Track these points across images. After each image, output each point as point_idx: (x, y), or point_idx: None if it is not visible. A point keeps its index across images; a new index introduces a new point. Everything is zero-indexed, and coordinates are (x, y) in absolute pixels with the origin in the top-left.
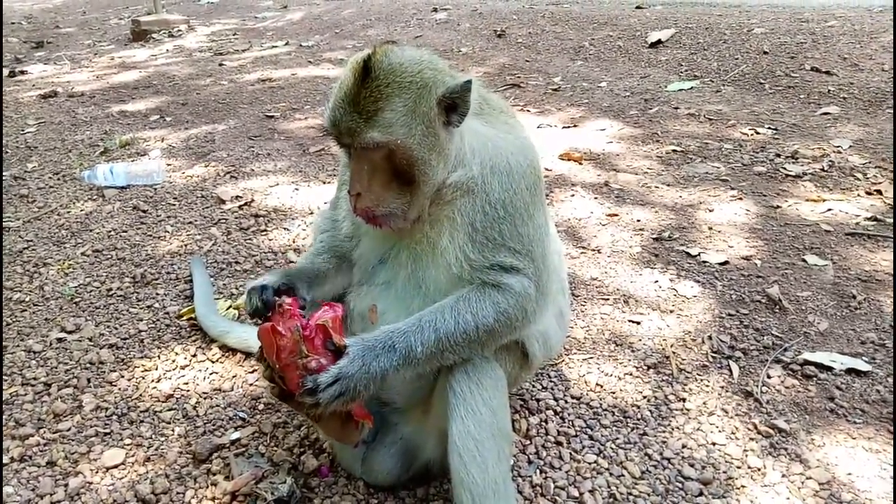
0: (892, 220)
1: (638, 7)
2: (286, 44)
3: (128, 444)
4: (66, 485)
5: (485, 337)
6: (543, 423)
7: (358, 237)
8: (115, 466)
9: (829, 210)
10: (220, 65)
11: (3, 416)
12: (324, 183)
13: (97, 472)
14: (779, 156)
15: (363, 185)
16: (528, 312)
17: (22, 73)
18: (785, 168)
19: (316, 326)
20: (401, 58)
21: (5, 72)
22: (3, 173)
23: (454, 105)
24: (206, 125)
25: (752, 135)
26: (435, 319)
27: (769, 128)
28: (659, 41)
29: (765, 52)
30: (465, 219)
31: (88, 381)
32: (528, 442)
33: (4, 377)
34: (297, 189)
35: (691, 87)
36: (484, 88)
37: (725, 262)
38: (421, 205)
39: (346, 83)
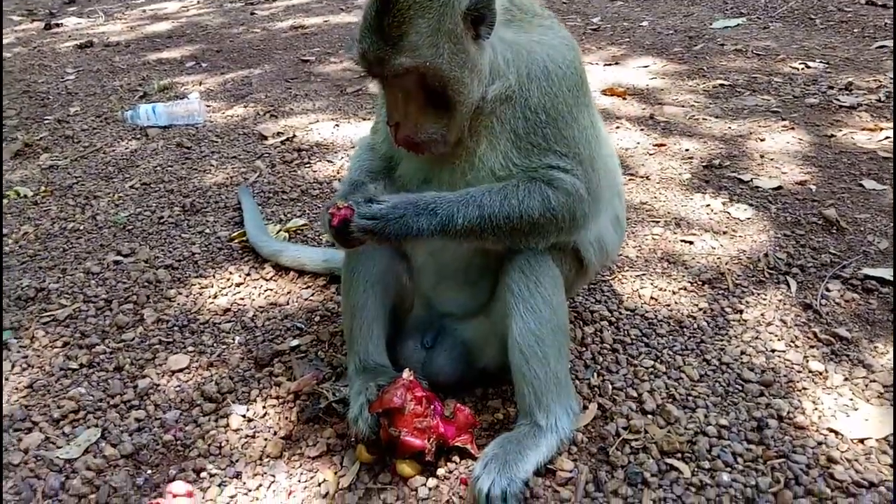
0: None
1: None
2: None
3: (191, 351)
4: (135, 386)
5: (528, 228)
6: (599, 332)
7: (399, 158)
8: (181, 370)
9: (888, 138)
10: (252, 14)
11: (69, 329)
12: (363, 120)
13: (163, 376)
14: (832, 88)
15: (400, 114)
16: (578, 216)
17: (57, 25)
18: (838, 99)
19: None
20: None
21: (41, 25)
22: (47, 117)
23: (481, 16)
24: (242, 70)
25: (802, 69)
26: (482, 197)
27: (821, 62)
28: None
29: None
30: (507, 126)
31: (147, 297)
32: (584, 349)
33: (66, 294)
34: (337, 126)
35: (737, 25)
36: None
37: (779, 188)
38: (460, 125)
39: (369, 12)
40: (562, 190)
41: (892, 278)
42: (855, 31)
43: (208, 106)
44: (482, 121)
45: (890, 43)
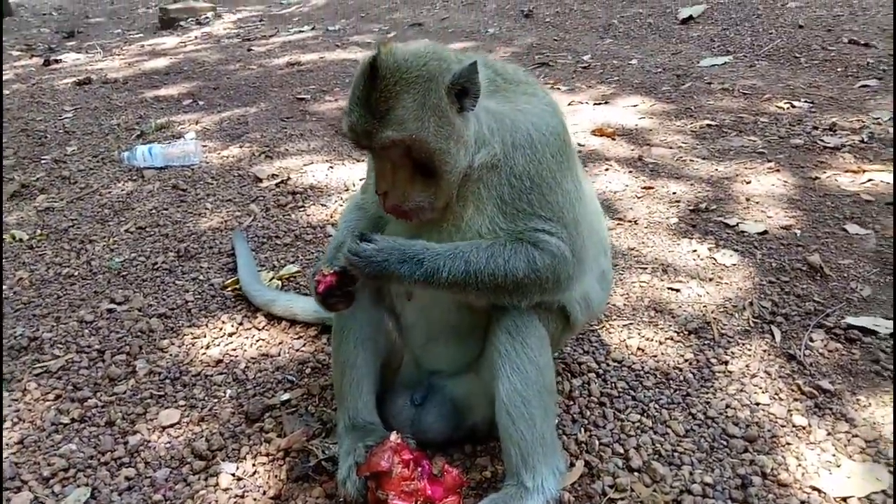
0: None
1: None
2: (312, 28)
3: (182, 406)
4: (125, 442)
5: (511, 286)
6: (586, 385)
7: (388, 219)
8: (172, 425)
9: (870, 181)
10: (249, 50)
11: (61, 382)
12: (357, 161)
13: (154, 431)
14: (816, 128)
15: (388, 183)
16: (562, 277)
17: (56, 61)
18: (823, 140)
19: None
20: (405, 54)
21: (39, 61)
22: (44, 157)
23: (464, 90)
24: (239, 108)
25: (787, 108)
26: (469, 253)
27: (806, 101)
28: (690, 17)
29: (800, 26)
30: (493, 192)
31: (140, 348)
32: (572, 402)
33: (59, 344)
34: (331, 167)
35: (724, 63)
36: (501, 63)
37: (764, 232)
38: (448, 193)
39: (357, 87)
40: (547, 252)
41: (873, 328)
42: (838, 69)
43: (204, 146)
44: (469, 187)
45: (873, 82)
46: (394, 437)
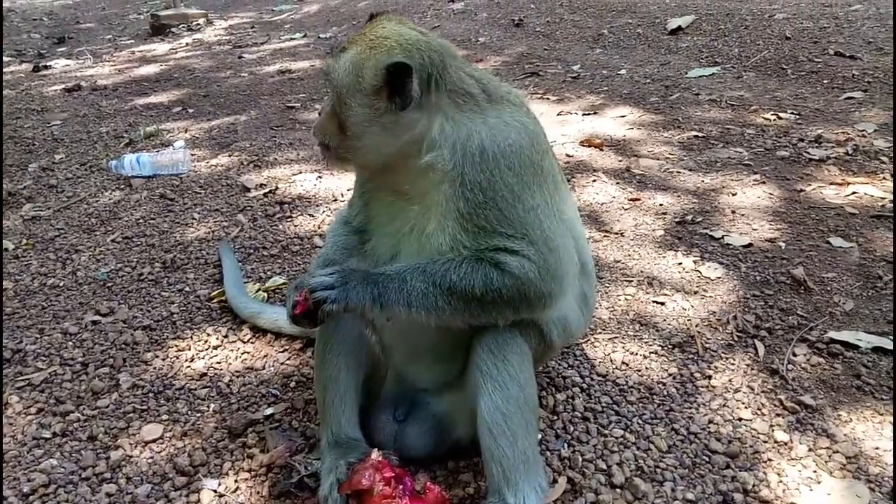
0: None
1: None
2: (304, 36)
3: (165, 420)
4: (107, 458)
5: (475, 305)
6: (570, 400)
7: (371, 233)
8: (154, 441)
9: (854, 193)
10: (240, 57)
11: (44, 395)
12: (345, 171)
13: (136, 446)
14: (802, 140)
15: (322, 110)
16: (532, 296)
17: (45, 67)
18: (808, 152)
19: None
20: (393, 25)
21: (29, 67)
22: (31, 164)
23: (396, 91)
24: (228, 116)
25: (774, 120)
26: (426, 272)
27: (792, 113)
28: (679, 28)
29: (787, 38)
30: (451, 204)
31: (124, 360)
32: (556, 417)
33: (42, 357)
34: (320, 178)
35: (712, 74)
36: (496, 80)
37: (749, 245)
38: (358, 158)
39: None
40: (507, 272)
41: (855, 342)
42: (824, 81)
43: (193, 154)
44: (431, 195)
45: (858, 94)
46: (375, 454)
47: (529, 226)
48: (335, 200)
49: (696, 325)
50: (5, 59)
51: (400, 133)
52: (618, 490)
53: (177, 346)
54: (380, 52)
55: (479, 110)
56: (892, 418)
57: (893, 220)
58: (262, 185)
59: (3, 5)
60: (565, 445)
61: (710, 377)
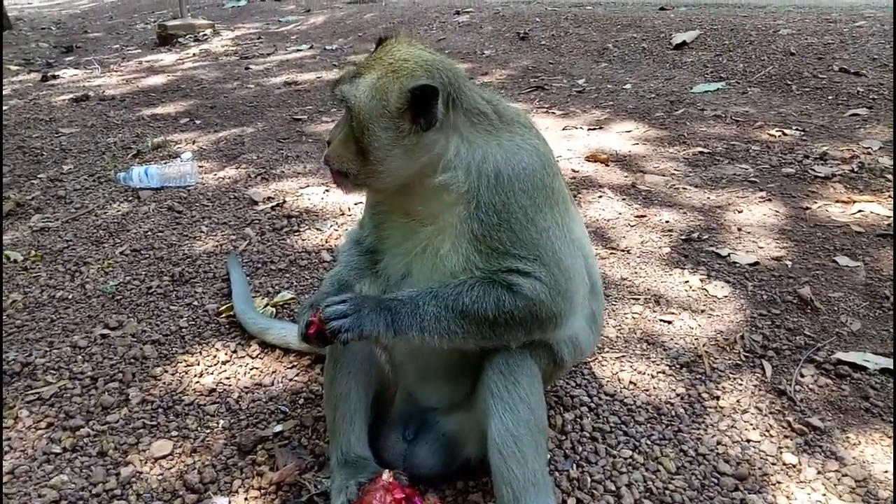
0: None
1: (662, 9)
2: (310, 47)
3: (174, 436)
4: (117, 474)
5: (487, 327)
6: (578, 420)
7: (383, 253)
8: (164, 457)
9: (860, 211)
10: (247, 68)
11: (54, 409)
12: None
13: (146, 463)
14: (807, 157)
15: (334, 136)
16: (544, 317)
17: (54, 77)
18: (814, 169)
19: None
20: (409, 48)
21: (37, 76)
22: (40, 175)
23: (420, 112)
24: (235, 128)
25: (779, 136)
26: (438, 296)
27: (797, 129)
28: (684, 43)
29: (791, 54)
30: (465, 226)
31: (133, 375)
32: (564, 437)
33: (52, 371)
34: (327, 191)
35: (717, 89)
36: (505, 101)
37: (756, 263)
38: (378, 182)
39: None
40: (519, 295)
41: (863, 364)
42: (829, 97)
43: (201, 167)
44: (445, 216)
45: (862, 111)
46: (386, 475)
47: (541, 247)
48: (342, 214)
49: (704, 345)
50: (13, 67)
51: (420, 155)
52: None
53: (186, 360)
54: (403, 75)
55: (493, 131)
56: None
57: (893, 240)
58: (269, 198)
59: (12, 14)
60: (574, 466)
61: (718, 398)
